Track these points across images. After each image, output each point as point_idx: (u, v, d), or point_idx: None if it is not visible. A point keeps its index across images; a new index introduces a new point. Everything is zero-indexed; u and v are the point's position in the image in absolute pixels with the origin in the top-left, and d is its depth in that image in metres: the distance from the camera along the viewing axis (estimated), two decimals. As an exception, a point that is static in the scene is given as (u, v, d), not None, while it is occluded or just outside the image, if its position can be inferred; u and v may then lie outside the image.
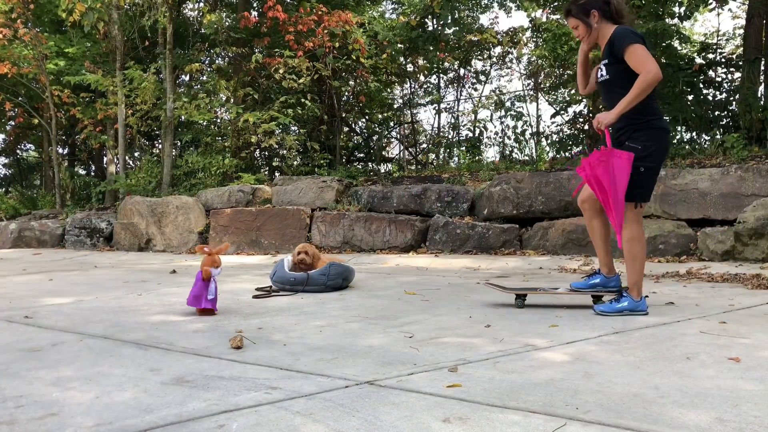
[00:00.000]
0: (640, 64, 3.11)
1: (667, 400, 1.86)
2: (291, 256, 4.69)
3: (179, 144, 12.16)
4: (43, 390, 2.03)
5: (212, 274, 3.43)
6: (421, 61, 11.83)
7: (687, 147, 8.16)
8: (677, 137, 8.63)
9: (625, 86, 3.15)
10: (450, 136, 11.92)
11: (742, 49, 9.07)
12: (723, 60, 9.50)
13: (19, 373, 2.24)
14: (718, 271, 5.01)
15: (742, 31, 9.54)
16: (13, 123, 14.34)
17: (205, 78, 11.80)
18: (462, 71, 12.16)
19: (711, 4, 9.17)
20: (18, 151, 16.82)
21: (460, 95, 12.30)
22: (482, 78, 12.21)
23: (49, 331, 3.04)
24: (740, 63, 8.66)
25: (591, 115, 9.96)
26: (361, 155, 12.94)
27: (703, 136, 8.80)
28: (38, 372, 2.26)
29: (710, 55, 9.80)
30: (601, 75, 3.31)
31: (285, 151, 10.47)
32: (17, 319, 3.38)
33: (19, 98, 12.36)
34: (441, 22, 11.14)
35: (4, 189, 15.90)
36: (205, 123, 11.23)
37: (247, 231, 8.08)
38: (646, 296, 3.40)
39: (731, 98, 8.89)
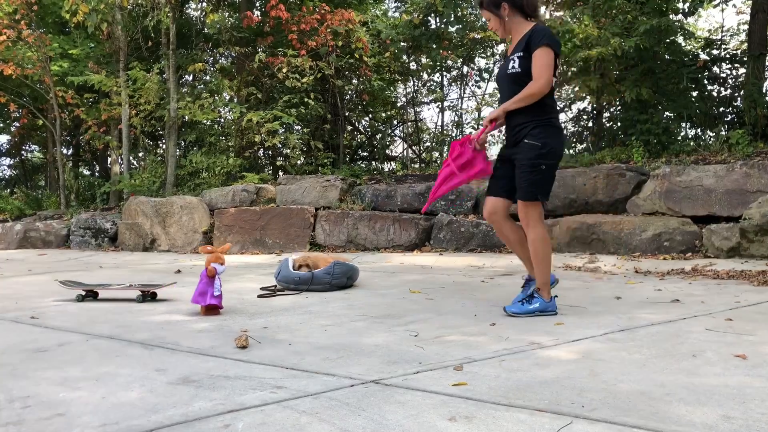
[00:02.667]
0: (540, 69, 3.11)
1: (673, 398, 1.85)
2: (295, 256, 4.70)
3: (183, 144, 12.17)
4: (50, 390, 2.04)
5: (217, 271, 3.43)
6: (424, 59, 11.82)
7: (692, 143, 8.13)
8: (681, 134, 8.60)
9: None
10: (453, 134, 11.90)
11: (746, 44, 9.03)
12: (727, 56, 9.46)
13: (26, 374, 2.25)
14: (723, 268, 4.99)
15: (746, 26, 9.50)
16: (17, 124, 14.39)
17: (208, 78, 11.81)
18: (465, 69, 12.14)
19: (715, -1, 9.13)
20: (23, 152, 16.88)
21: (464, 93, 12.28)
22: (485, 76, 12.19)
23: (55, 332, 3.05)
24: (745, 59, 8.63)
25: (595, 112, 9.94)
26: (365, 154, 12.94)
27: (708, 132, 8.77)
28: (45, 372, 2.27)
29: (714, 51, 9.76)
30: (512, 67, 3.22)
31: (288, 151, 10.48)
32: (24, 320, 3.39)
33: (24, 99, 12.39)
34: (444, 20, 11.12)
35: (9, 190, 15.95)
36: (208, 123, 11.24)
37: (251, 230, 8.09)
38: (556, 296, 3.38)
39: (736, 94, 8.85)
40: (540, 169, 3.17)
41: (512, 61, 3.22)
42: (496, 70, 12.18)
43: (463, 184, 3.54)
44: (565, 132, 9.90)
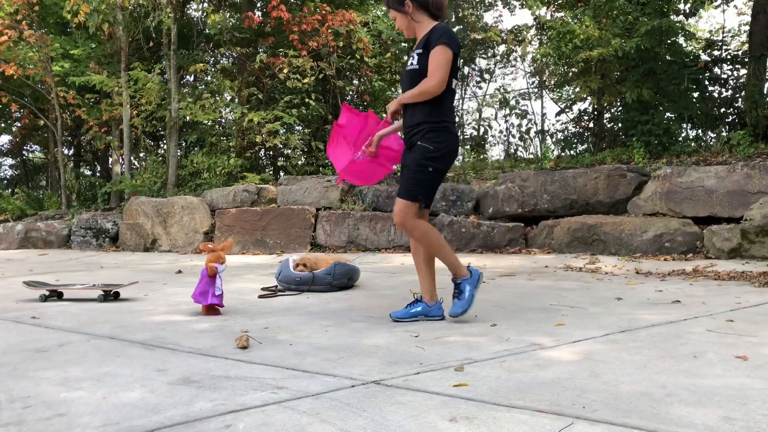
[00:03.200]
0: (435, 68, 3.02)
1: (674, 399, 1.85)
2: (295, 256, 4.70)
3: (184, 144, 12.19)
4: (50, 390, 2.04)
5: (218, 270, 3.43)
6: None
7: (693, 144, 8.13)
8: (682, 134, 8.60)
9: None
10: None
11: (747, 45, 9.03)
12: (728, 57, 9.46)
13: (26, 374, 2.25)
14: (724, 269, 4.99)
15: (747, 27, 9.50)
16: (19, 124, 14.40)
17: (209, 78, 11.82)
18: (466, 70, 12.14)
19: (716, 0, 9.13)
20: (24, 152, 16.89)
21: (465, 94, 12.28)
22: (486, 76, 12.19)
23: (56, 332, 3.05)
24: (746, 60, 8.62)
25: (596, 112, 9.94)
26: (366, 154, 12.92)
27: (709, 133, 8.76)
28: (46, 372, 2.27)
29: (715, 52, 9.75)
30: (411, 64, 3.15)
31: (289, 151, 10.49)
32: (24, 320, 3.39)
33: (25, 99, 12.40)
34: (445, 21, 11.12)
35: (10, 190, 15.97)
36: (209, 123, 11.26)
37: (252, 231, 8.09)
38: (441, 300, 3.24)
39: (737, 95, 8.85)
40: (427, 171, 3.08)
41: (412, 58, 3.15)
42: (497, 71, 12.19)
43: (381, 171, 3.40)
44: (584, 133, 9.90)
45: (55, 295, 4.18)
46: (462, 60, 11.59)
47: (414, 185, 3.09)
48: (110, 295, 4.11)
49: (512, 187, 7.03)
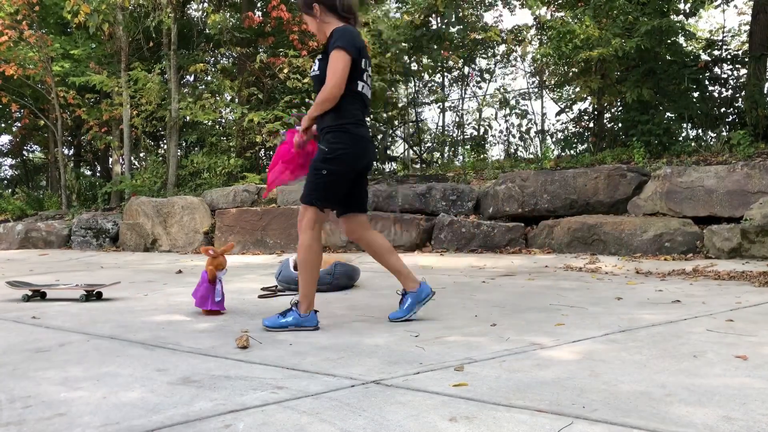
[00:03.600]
0: (331, 73, 2.92)
1: (674, 399, 1.85)
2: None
3: (184, 144, 12.19)
4: (50, 390, 2.04)
5: (218, 276, 3.43)
6: (425, 60, 11.82)
7: (693, 144, 8.13)
8: (683, 134, 8.60)
9: None
10: (454, 135, 11.91)
11: (747, 45, 9.03)
12: (728, 56, 9.46)
13: (27, 374, 2.26)
14: (724, 269, 4.99)
15: (747, 27, 9.50)
16: (19, 124, 14.41)
17: (209, 78, 11.82)
18: (466, 70, 12.14)
19: (716, 0, 9.13)
20: (24, 152, 16.89)
21: (465, 94, 12.29)
22: (487, 76, 12.20)
23: (56, 332, 3.05)
24: (746, 59, 8.62)
25: (596, 112, 9.94)
26: (366, 154, 12.92)
27: (709, 133, 8.76)
28: (46, 372, 2.27)
29: (716, 52, 9.75)
30: (313, 69, 3.09)
31: (290, 151, 10.46)
32: (25, 320, 3.39)
33: (25, 99, 12.41)
34: (445, 21, 11.12)
35: (10, 190, 15.97)
36: (209, 123, 11.26)
37: (252, 231, 8.09)
38: (317, 311, 3.06)
39: (737, 95, 8.85)
40: (321, 174, 2.98)
41: (314, 64, 3.10)
42: (497, 71, 12.19)
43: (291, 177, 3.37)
44: (584, 133, 9.88)
45: (38, 295, 4.19)
46: (462, 60, 11.60)
47: (309, 189, 3.04)
48: (92, 295, 4.11)
49: (512, 186, 7.04)
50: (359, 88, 3.02)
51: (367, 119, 3.08)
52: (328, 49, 2.97)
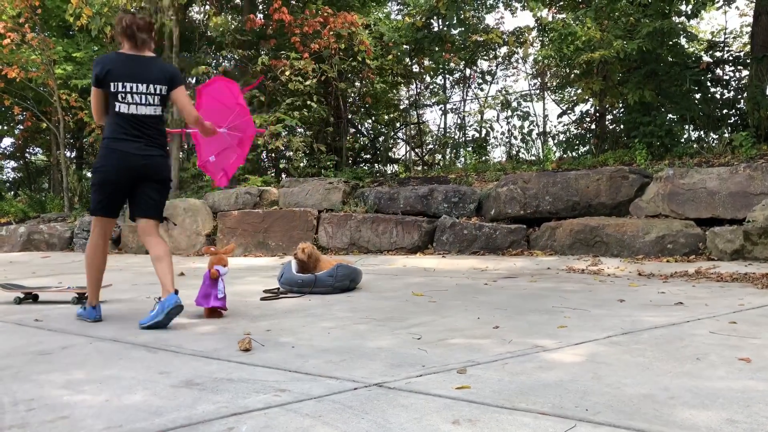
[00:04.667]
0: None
1: (677, 401, 1.85)
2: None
3: (186, 147, 12.20)
4: (53, 393, 2.04)
5: (220, 273, 3.44)
6: (426, 62, 11.83)
7: (695, 146, 8.12)
8: (685, 136, 8.59)
9: None
10: (456, 137, 11.91)
11: (749, 46, 9.02)
12: (730, 58, 9.46)
13: (29, 377, 2.26)
14: (727, 271, 4.98)
15: (749, 29, 9.49)
16: (21, 127, 14.43)
17: (211, 80, 11.81)
18: (468, 71, 12.15)
19: (718, 1, 9.13)
20: (26, 155, 16.92)
21: (466, 95, 12.30)
22: (488, 78, 12.21)
23: (59, 334, 3.05)
24: (748, 61, 8.62)
25: (597, 114, 9.94)
26: (368, 156, 12.96)
27: (711, 134, 8.76)
28: (49, 375, 2.27)
29: (717, 53, 9.75)
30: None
31: (291, 153, 10.49)
32: (28, 323, 3.40)
33: (28, 102, 12.43)
34: (446, 23, 11.13)
35: (13, 192, 16.00)
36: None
37: (254, 233, 8.10)
38: (103, 301, 3.57)
39: (739, 96, 8.84)
40: (92, 184, 3.43)
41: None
42: (498, 73, 12.19)
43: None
44: (585, 134, 9.89)
45: (30, 297, 4.21)
46: (464, 62, 11.61)
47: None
48: (84, 297, 4.11)
49: (514, 188, 7.03)
50: (116, 109, 3.34)
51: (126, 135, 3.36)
52: None
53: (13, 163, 17.51)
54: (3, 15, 10.64)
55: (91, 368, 2.37)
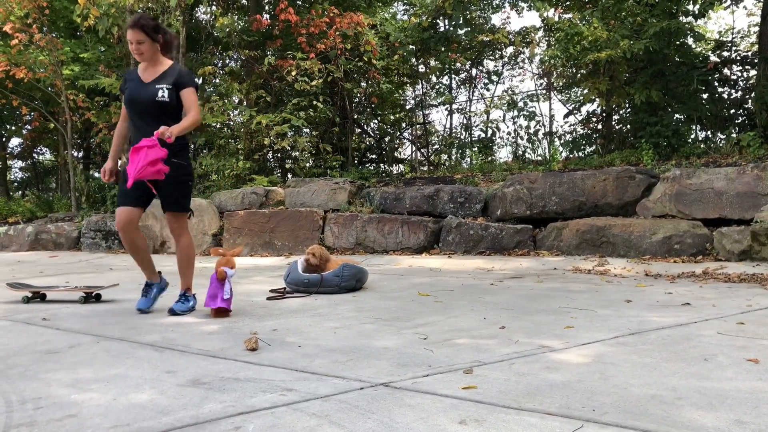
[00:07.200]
0: (196, 105, 3.60)
1: (685, 402, 1.84)
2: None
3: (193, 147, 12.23)
4: (61, 392, 2.05)
5: (227, 274, 3.45)
6: (432, 62, 11.82)
7: (702, 146, 8.09)
8: (692, 136, 8.56)
9: (174, 112, 3.62)
10: (462, 137, 11.90)
11: (757, 46, 8.97)
12: (738, 58, 9.41)
13: (37, 375, 2.27)
14: (734, 271, 4.95)
15: (757, 28, 9.44)
16: (29, 127, 14.51)
17: (217, 81, 11.87)
18: (474, 72, 12.14)
19: (725, 1, 9.09)
20: (34, 155, 17.01)
21: (472, 96, 12.28)
22: (494, 78, 12.19)
23: (66, 333, 3.07)
24: (756, 61, 8.57)
25: (604, 115, 9.91)
26: (374, 156, 12.96)
27: (719, 134, 8.72)
28: (56, 374, 2.28)
29: (725, 53, 9.71)
30: (161, 96, 3.59)
31: (297, 153, 10.51)
32: (35, 321, 3.41)
33: (35, 103, 12.49)
34: (452, 23, 11.12)
35: (20, 192, 16.08)
36: (218, 126, 11.29)
37: (260, 233, 8.11)
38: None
39: (747, 96, 8.80)
40: (187, 185, 3.70)
41: (162, 90, 3.59)
42: (505, 73, 12.15)
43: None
44: (592, 135, 9.88)
45: (38, 296, 4.24)
46: (470, 62, 11.60)
47: (184, 198, 3.68)
48: (91, 297, 4.15)
49: (520, 189, 7.02)
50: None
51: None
52: (182, 83, 3.62)
53: (21, 163, 17.62)
54: (11, 16, 10.70)
55: (99, 367, 2.38)
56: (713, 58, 9.32)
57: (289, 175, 11.18)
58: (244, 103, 11.00)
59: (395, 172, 11.47)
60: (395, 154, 12.69)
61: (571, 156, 9.70)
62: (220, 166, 10.12)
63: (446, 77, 12.51)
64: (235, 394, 2.00)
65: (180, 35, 10.27)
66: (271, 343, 2.75)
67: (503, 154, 11.82)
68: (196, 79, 3.67)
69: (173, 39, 3.81)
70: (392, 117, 12.96)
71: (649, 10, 8.11)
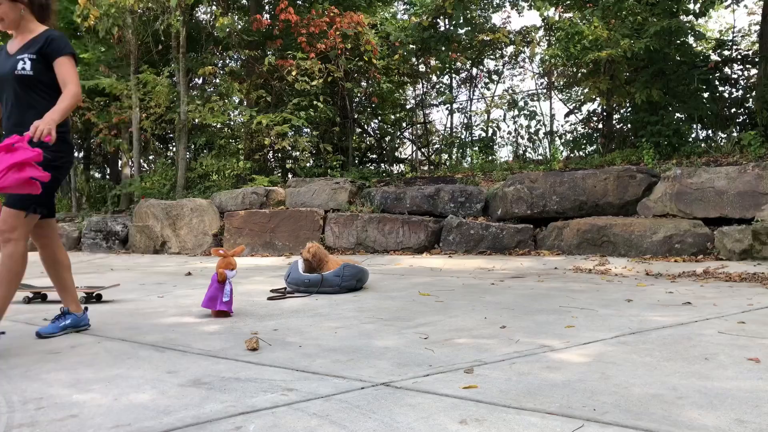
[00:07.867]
0: (70, 77, 2.88)
1: (685, 402, 1.84)
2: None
3: (193, 147, 12.24)
4: (62, 392, 2.06)
5: (227, 276, 3.45)
6: (433, 62, 11.82)
7: (703, 145, 8.09)
8: (692, 135, 8.55)
9: (46, 88, 2.89)
10: (463, 136, 11.90)
11: (758, 45, 8.97)
12: (739, 57, 9.40)
13: (39, 375, 2.27)
14: (735, 271, 4.95)
15: (757, 27, 9.44)
16: (29, 127, 14.49)
17: (218, 81, 11.87)
18: (474, 71, 12.13)
19: (726, 0, 9.08)
20: (35, 156, 16.99)
21: (473, 95, 12.28)
22: (495, 77, 12.18)
23: (67, 334, 3.07)
24: (756, 60, 8.57)
25: (605, 114, 9.90)
26: (374, 156, 12.96)
27: (719, 133, 8.72)
28: (58, 374, 2.29)
29: (726, 52, 9.70)
30: (23, 69, 2.86)
31: (298, 153, 10.51)
32: (36, 322, 3.42)
33: (36, 103, 12.47)
34: (453, 22, 11.12)
35: (21, 193, 16.03)
36: (218, 126, 11.30)
37: (261, 233, 8.11)
38: (86, 309, 3.22)
39: (748, 95, 8.79)
40: (55, 180, 2.96)
41: (23, 62, 2.87)
42: (505, 72, 12.16)
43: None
44: (593, 134, 9.88)
45: (39, 297, 4.24)
46: (470, 61, 11.60)
47: (25, 195, 2.81)
48: (92, 297, 4.16)
49: (521, 188, 7.02)
50: None
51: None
52: (51, 51, 2.89)
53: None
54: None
55: (100, 367, 2.38)
56: (714, 57, 9.32)
57: (290, 175, 11.19)
58: (245, 103, 11.00)
59: (396, 171, 11.48)
60: (396, 153, 12.69)
61: (571, 155, 9.70)
62: (220, 166, 10.13)
63: (447, 77, 12.50)
64: (236, 394, 2.00)
65: (180, 35, 10.28)
66: (272, 343, 2.75)
67: (504, 154, 11.83)
68: (71, 45, 2.93)
69: (50, 1, 3.07)
70: (393, 117, 12.96)
71: (649, 9, 8.11)
